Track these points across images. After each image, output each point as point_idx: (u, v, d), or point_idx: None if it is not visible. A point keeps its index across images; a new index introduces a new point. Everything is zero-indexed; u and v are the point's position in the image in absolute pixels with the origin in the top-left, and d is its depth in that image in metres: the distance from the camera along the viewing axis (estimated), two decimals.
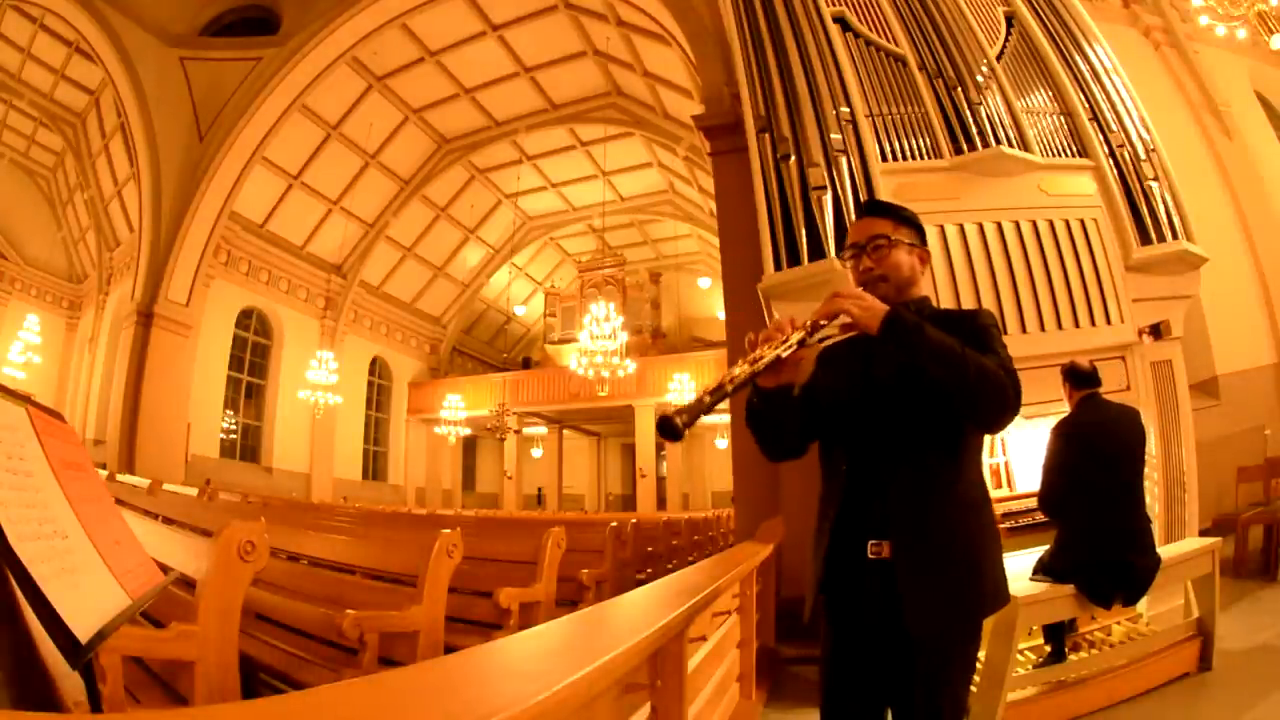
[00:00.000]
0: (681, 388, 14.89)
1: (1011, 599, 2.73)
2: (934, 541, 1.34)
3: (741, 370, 1.22)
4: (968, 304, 3.80)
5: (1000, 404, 1.29)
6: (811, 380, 1.58)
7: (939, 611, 1.31)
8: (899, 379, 1.39)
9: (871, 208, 1.62)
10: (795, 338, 1.29)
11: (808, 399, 1.53)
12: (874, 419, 1.43)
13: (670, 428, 1.10)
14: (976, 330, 1.39)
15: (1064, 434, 3.04)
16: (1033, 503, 3.41)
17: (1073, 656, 3.16)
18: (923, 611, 1.30)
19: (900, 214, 1.56)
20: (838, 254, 3.59)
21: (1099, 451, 2.94)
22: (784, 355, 1.28)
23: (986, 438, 3.72)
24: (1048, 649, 3.11)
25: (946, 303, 3.78)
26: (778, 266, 3.99)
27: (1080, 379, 3.12)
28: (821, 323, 1.33)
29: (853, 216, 3.85)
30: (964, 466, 1.40)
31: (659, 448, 16.55)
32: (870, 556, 1.37)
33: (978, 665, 3.13)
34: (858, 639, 1.41)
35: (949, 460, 1.39)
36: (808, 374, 1.56)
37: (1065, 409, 3.24)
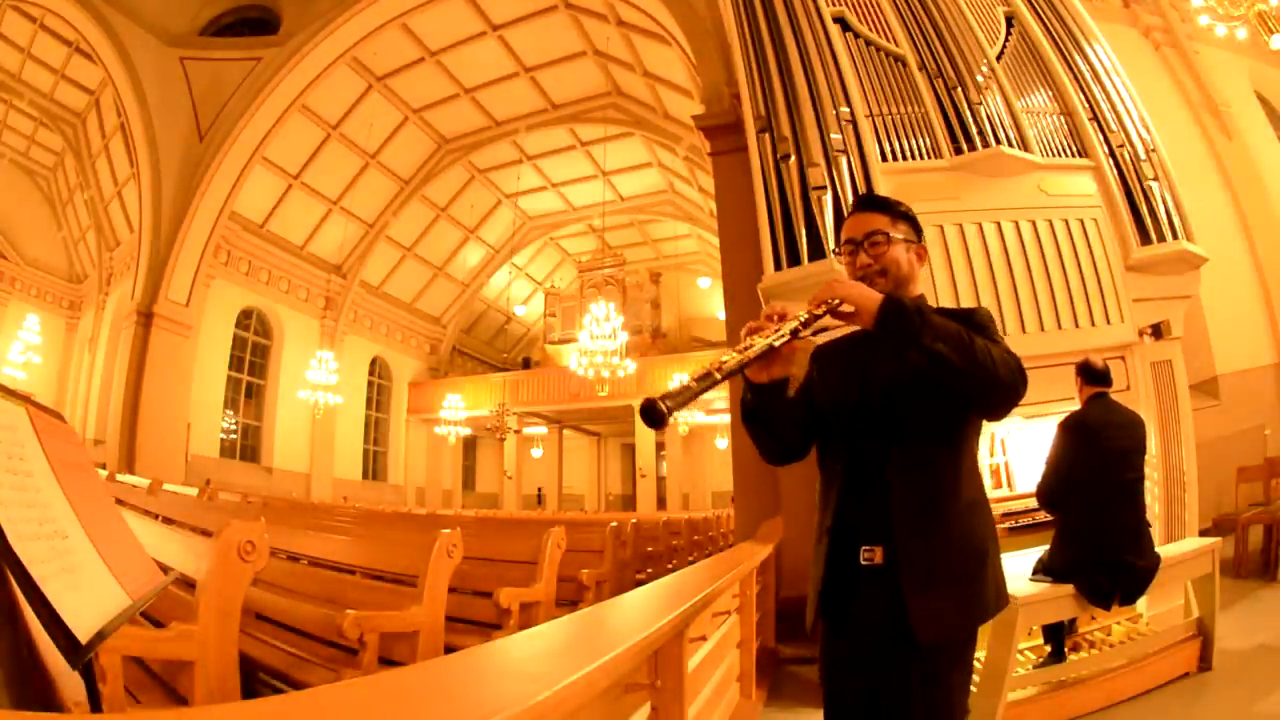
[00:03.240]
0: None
1: (1011, 599, 2.74)
2: (939, 546, 1.32)
3: (731, 359, 1.18)
4: (967, 304, 3.80)
5: (1009, 383, 1.25)
6: (808, 381, 1.52)
7: (946, 618, 1.29)
8: (896, 377, 1.36)
9: (868, 202, 1.57)
10: (788, 327, 1.25)
11: (805, 400, 1.48)
12: (871, 419, 1.40)
13: (654, 413, 1.06)
14: (975, 325, 1.36)
15: (1070, 428, 3.05)
16: (1033, 503, 3.42)
17: (1073, 656, 3.17)
18: (930, 618, 1.28)
19: (897, 209, 1.52)
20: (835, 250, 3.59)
21: (1103, 449, 2.95)
22: (776, 345, 1.23)
23: (984, 438, 3.74)
24: (1048, 649, 3.11)
25: (946, 303, 3.78)
26: (778, 266, 3.99)
27: (1093, 376, 3.14)
28: (816, 311, 1.28)
29: None
30: (964, 467, 1.38)
31: (659, 448, 16.56)
32: (863, 563, 1.35)
33: (976, 665, 3.14)
34: (855, 645, 1.40)
35: (949, 460, 1.37)
36: (803, 369, 1.49)
37: (1064, 409, 3.24)
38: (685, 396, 1.10)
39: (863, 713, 1.39)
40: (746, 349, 1.20)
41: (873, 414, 1.40)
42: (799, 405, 1.46)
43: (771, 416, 1.43)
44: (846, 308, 1.28)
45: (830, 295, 1.28)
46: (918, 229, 1.53)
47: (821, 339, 1.55)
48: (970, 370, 1.22)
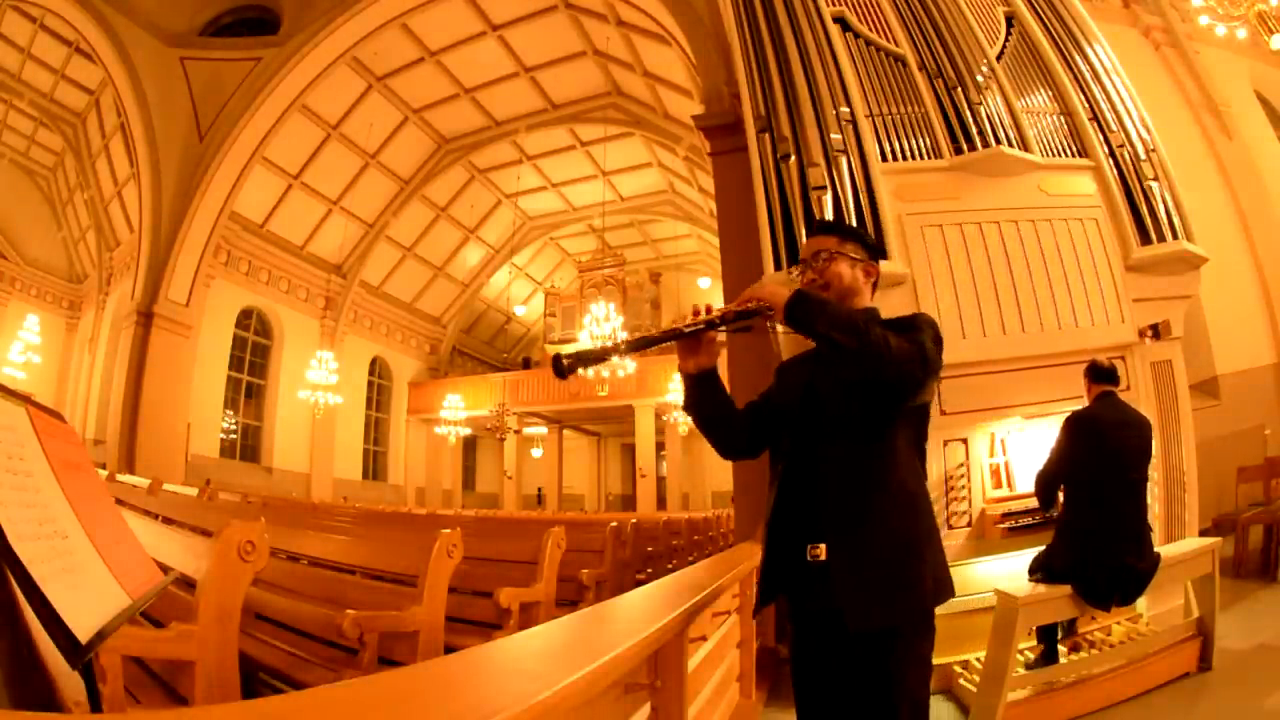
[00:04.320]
0: (681, 388, 14.86)
1: (1012, 599, 2.75)
2: (865, 540, 1.39)
3: (637, 335, 1.38)
4: (968, 305, 3.80)
5: (898, 362, 1.33)
6: (767, 390, 1.70)
7: (875, 607, 1.35)
8: (833, 389, 1.48)
9: (819, 227, 1.74)
10: (702, 319, 1.41)
11: (760, 407, 1.66)
12: (808, 426, 1.51)
13: (559, 367, 1.27)
14: (904, 324, 1.45)
15: (1076, 424, 3.06)
16: (1033, 502, 3.42)
17: (1073, 656, 3.17)
18: (859, 608, 1.35)
19: (847, 231, 1.66)
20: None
21: (1107, 447, 2.95)
22: (684, 331, 1.40)
23: (984, 438, 3.74)
24: (1041, 647, 3.12)
25: (946, 302, 3.78)
26: (778, 266, 3.98)
27: (1101, 375, 3.17)
28: (735, 308, 1.42)
29: (853, 217, 3.86)
30: (894, 467, 1.45)
31: (659, 448, 16.55)
32: (809, 560, 1.44)
33: (976, 664, 3.14)
34: (815, 639, 1.48)
35: (877, 457, 1.44)
36: (714, 355, 1.65)
37: (1064, 409, 3.25)
38: (589, 358, 1.31)
39: (828, 706, 1.47)
40: (654, 328, 1.36)
41: (809, 419, 1.51)
42: (750, 411, 1.65)
43: (706, 404, 1.60)
44: (760, 308, 1.42)
45: (748, 295, 1.43)
46: (871, 249, 1.65)
47: (785, 355, 1.66)
48: (861, 351, 1.32)
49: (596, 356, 1.28)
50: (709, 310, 1.43)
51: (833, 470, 1.44)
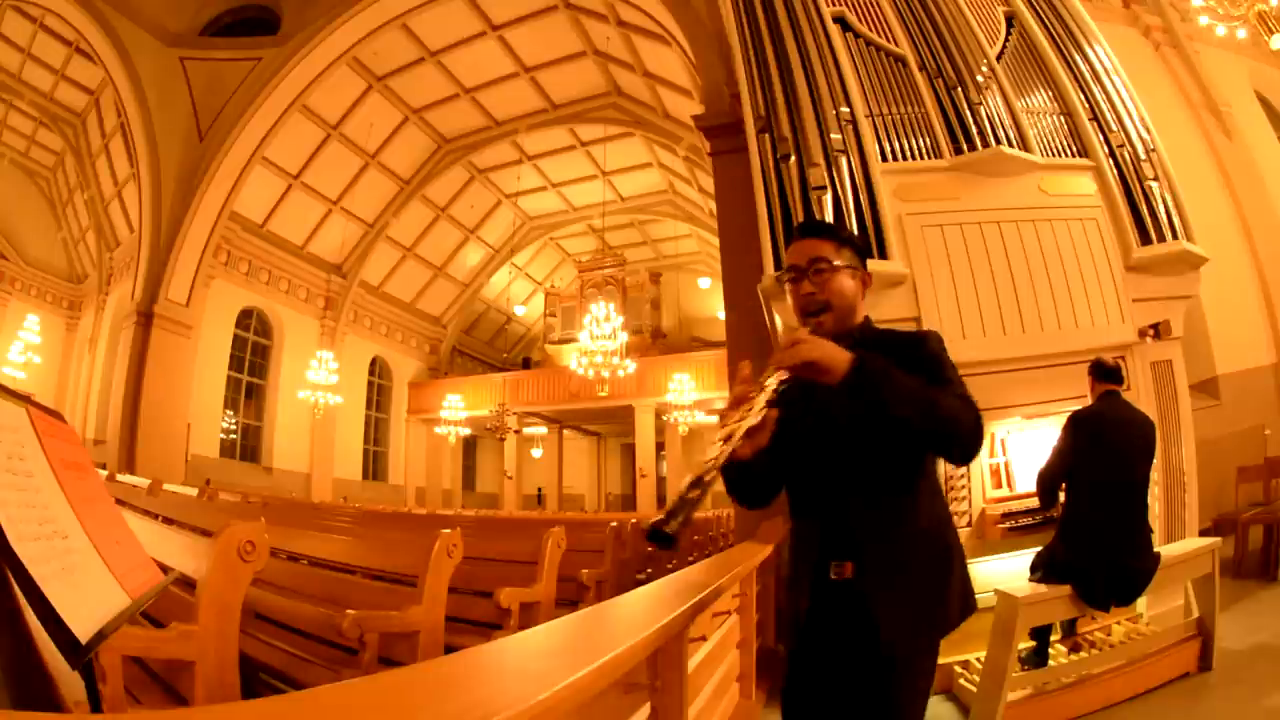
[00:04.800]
0: (681, 388, 14.90)
1: (1012, 599, 2.75)
2: (900, 556, 1.36)
3: (720, 451, 1.18)
4: (968, 305, 3.80)
5: (970, 440, 1.29)
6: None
7: (909, 624, 1.33)
8: (854, 418, 1.37)
9: (811, 228, 1.58)
10: (762, 400, 1.24)
11: (773, 442, 1.50)
12: (832, 455, 1.43)
13: (662, 537, 1.04)
14: (927, 359, 1.38)
15: (1080, 422, 3.06)
16: (1033, 503, 3.43)
17: (1073, 656, 3.17)
18: (894, 626, 1.32)
19: (841, 236, 1.52)
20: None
21: (1110, 447, 2.95)
22: (756, 424, 1.23)
23: (984, 438, 3.74)
24: (1033, 644, 3.12)
25: (946, 303, 3.78)
26: (778, 267, 3.98)
27: (1105, 374, 3.17)
28: (785, 378, 1.28)
29: (853, 217, 3.86)
30: (922, 490, 1.42)
31: (659, 448, 16.55)
32: (833, 578, 1.39)
33: (976, 665, 3.14)
34: (820, 657, 1.44)
35: (907, 487, 1.40)
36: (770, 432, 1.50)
37: (1064, 409, 3.25)
38: (686, 509, 1.09)
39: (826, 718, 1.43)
40: (729, 438, 1.20)
41: (832, 449, 1.43)
42: (768, 451, 1.47)
43: (752, 480, 1.49)
44: (818, 370, 1.27)
45: (797, 360, 1.27)
46: (862, 255, 1.54)
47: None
48: (934, 432, 1.27)
49: (693, 504, 1.09)
50: (761, 387, 1.26)
51: (863, 500, 1.39)
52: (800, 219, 3.95)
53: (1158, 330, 3.89)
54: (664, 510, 1.07)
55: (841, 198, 3.91)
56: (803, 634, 1.46)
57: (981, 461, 3.73)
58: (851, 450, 1.41)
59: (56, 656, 0.76)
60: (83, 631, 0.75)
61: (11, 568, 0.71)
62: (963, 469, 3.66)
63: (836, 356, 1.26)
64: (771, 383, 1.27)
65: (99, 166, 14.40)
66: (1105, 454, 2.94)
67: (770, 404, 1.25)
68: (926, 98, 4.24)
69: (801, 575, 1.46)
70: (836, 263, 1.45)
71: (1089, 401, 3.20)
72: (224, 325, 14.13)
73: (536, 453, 20.43)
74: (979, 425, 1.30)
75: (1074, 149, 4.18)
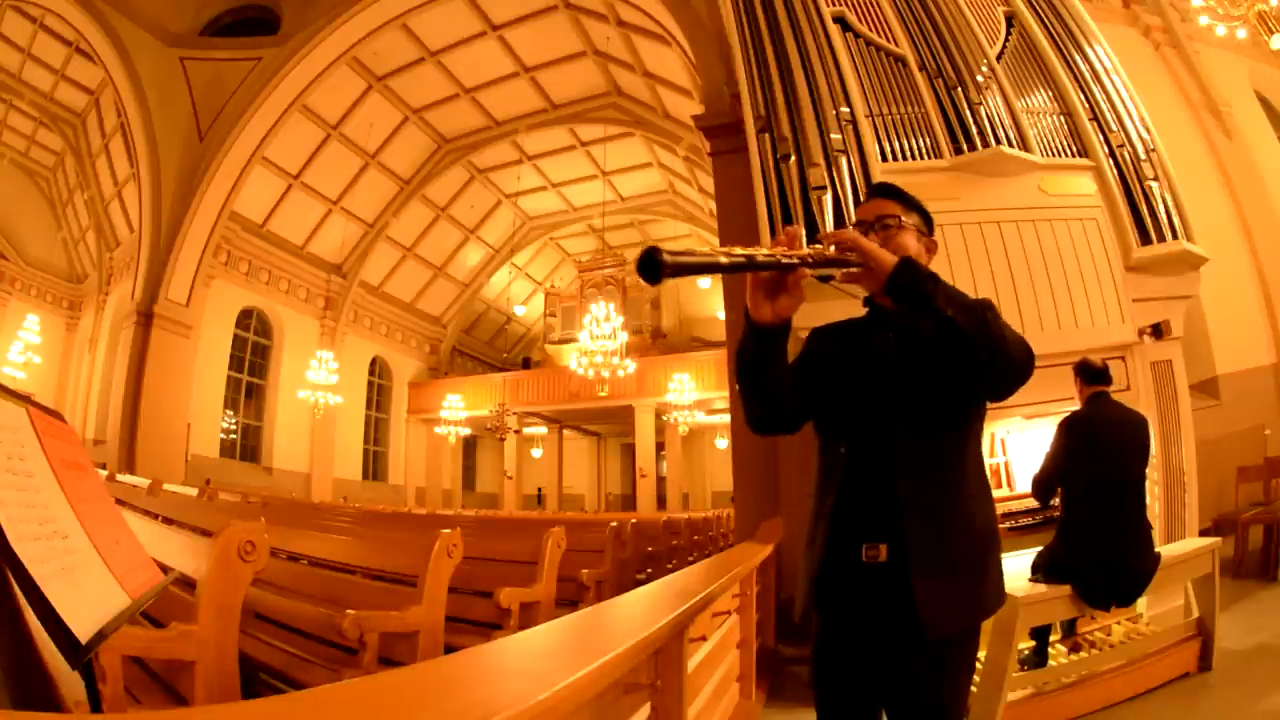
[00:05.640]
0: (681, 388, 14.90)
1: (1012, 599, 2.74)
2: (950, 535, 1.29)
3: (742, 252, 1.08)
4: None
5: (1020, 360, 1.21)
6: (804, 357, 1.48)
7: (953, 609, 1.26)
8: (901, 361, 1.32)
9: (882, 189, 1.53)
10: (801, 252, 1.15)
11: (801, 374, 1.42)
12: (875, 404, 1.34)
13: (652, 263, 0.94)
14: (986, 307, 1.30)
15: (1070, 429, 3.05)
16: (1033, 502, 3.42)
17: (1073, 656, 3.17)
18: (938, 612, 1.24)
19: (909, 199, 1.49)
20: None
21: (1104, 450, 2.94)
22: (783, 261, 1.13)
23: (984, 438, 3.74)
24: (1032, 644, 3.11)
25: None
26: None
27: (1092, 375, 3.13)
28: (830, 253, 1.20)
29: (853, 217, 3.86)
30: (970, 454, 1.35)
31: (659, 448, 16.55)
32: (865, 561, 1.30)
33: (978, 665, 3.14)
34: (852, 640, 1.37)
35: (957, 447, 1.33)
36: (798, 342, 1.43)
37: (1064, 409, 3.24)
38: (690, 263, 1.00)
39: (861, 710, 1.38)
40: (757, 251, 1.12)
41: (877, 399, 1.34)
42: (797, 372, 1.41)
43: (768, 369, 1.32)
44: (855, 260, 1.21)
45: (847, 240, 1.21)
46: (930, 223, 1.51)
47: (821, 322, 1.52)
48: (982, 341, 1.17)
49: (696, 263, 1.01)
50: (800, 243, 1.18)
51: (910, 459, 1.29)
52: (800, 219, 3.95)
53: (1158, 330, 3.89)
54: (674, 250, 0.98)
55: (841, 198, 3.91)
56: (831, 613, 1.39)
57: (983, 450, 3.73)
58: (895, 393, 1.31)
59: (56, 656, 0.76)
60: (83, 631, 0.75)
61: (11, 568, 0.71)
62: None
63: (884, 253, 1.21)
64: (812, 250, 1.18)
65: (99, 166, 14.40)
66: (1101, 456, 2.94)
67: (805, 263, 1.15)
68: (926, 98, 4.24)
69: (832, 541, 1.35)
70: (904, 221, 1.43)
71: (1076, 404, 3.18)
72: (224, 325, 14.13)
73: (536, 453, 20.43)
74: (1029, 356, 1.22)
75: (1074, 149, 4.18)
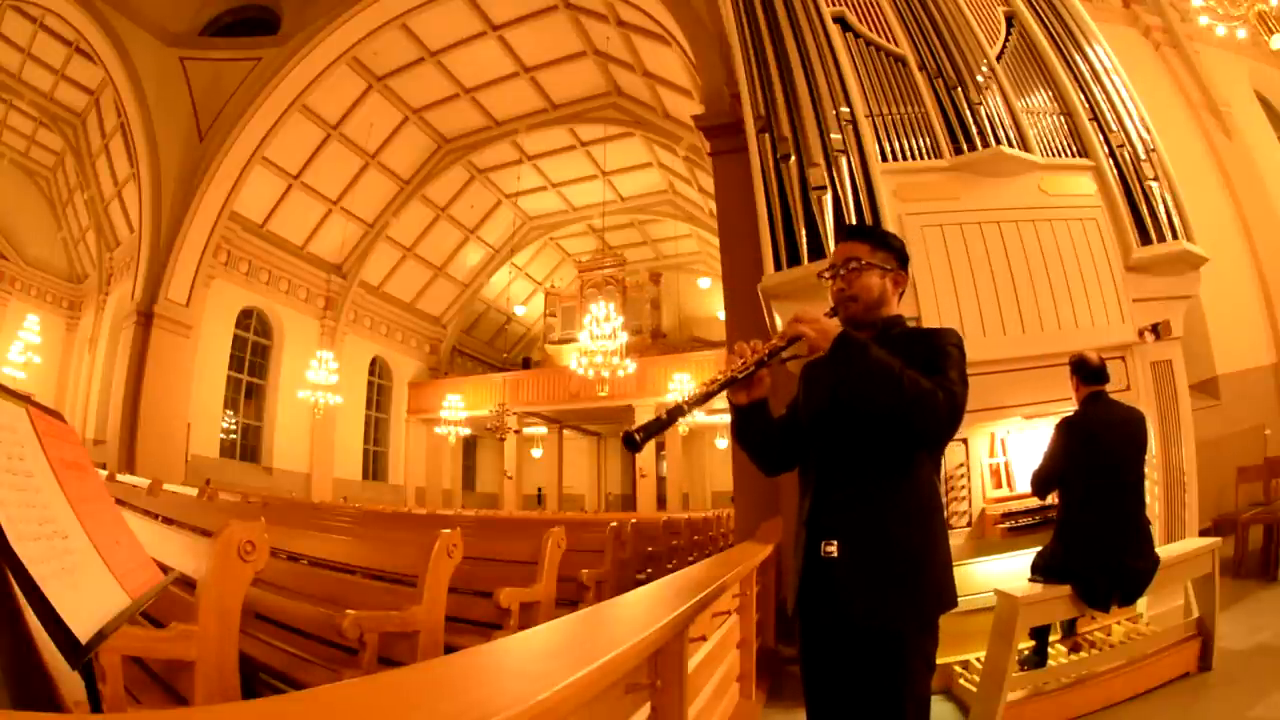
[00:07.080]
0: (681, 387, 14.89)
1: (1012, 599, 2.75)
2: (874, 545, 1.44)
3: (699, 390, 1.41)
4: (968, 305, 3.80)
5: (930, 422, 1.38)
6: (795, 398, 1.72)
7: (877, 606, 1.40)
8: (834, 404, 1.53)
9: (850, 232, 1.75)
10: (753, 359, 1.45)
11: (792, 415, 1.69)
12: (835, 431, 1.54)
13: (631, 442, 1.33)
14: (933, 350, 1.48)
15: (1068, 430, 3.04)
16: (1033, 503, 3.42)
17: (1073, 656, 3.17)
18: (863, 604, 1.40)
19: (878, 237, 1.66)
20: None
21: (1102, 450, 2.94)
22: (739, 377, 1.44)
23: (984, 438, 3.74)
24: (1032, 644, 3.12)
25: (946, 303, 3.78)
26: (778, 266, 3.98)
27: (1088, 374, 3.11)
28: (780, 345, 1.45)
29: (853, 217, 3.86)
30: (911, 476, 1.48)
31: (659, 448, 16.55)
32: (822, 556, 1.48)
33: (976, 664, 3.14)
34: (824, 634, 1.52)
35: (896, 471, 1.48)
36: (793, 393, 1.71)
37: (1063, 409, 3.24)
38: (657, 427, 1.34)
39: (836, 704, 1.50)
40: (711, 382, 1.43)
41: (836, 425, 1.53)
42: (785, 421, 1.68)
43: (755, 433, 1.64)
44: (811, 343, 1.44)
45: (791, 334, 1.44)
46: (900, 257, 1.66)
47: (791, 361, 1.69)
48: (891, 411, 1.37)
49: (664, 424, 1.34)
50: (756, 349, 1.47)
51: (854, 476, 1.49)
52: (800, 219, 3.95)
53: (1158, 330, 3.89)
54: (640, 425, 1.34)
55: (841, 198, 3.91)
56: (799, 607, 1.55)
57: (981, 461, 3.72)
58: (848, 430, 1.50)
59: (56, 656, 0.76)
60: (83, 631, 0.75)
61: (11, 568, 0.71)
62: (962, 470, 3.67)
63: (826, 328, 1.42)
64: (763, 348, 1.46)
65: (99, 166, 14.40)
66: (1100, 458, 2.93)
67: (761, 365, 1.46)
68: (926, 98, 4.24)
69: (797, 551, 1.55)
70: (866, 261, 1.60)
71: (1073, 402, 3.18)
72: (224, 325, 14.13)
73: (536, 453, 20.43)
74: (951, 415, 1.39)
75: (1074, 149, 4.17)
